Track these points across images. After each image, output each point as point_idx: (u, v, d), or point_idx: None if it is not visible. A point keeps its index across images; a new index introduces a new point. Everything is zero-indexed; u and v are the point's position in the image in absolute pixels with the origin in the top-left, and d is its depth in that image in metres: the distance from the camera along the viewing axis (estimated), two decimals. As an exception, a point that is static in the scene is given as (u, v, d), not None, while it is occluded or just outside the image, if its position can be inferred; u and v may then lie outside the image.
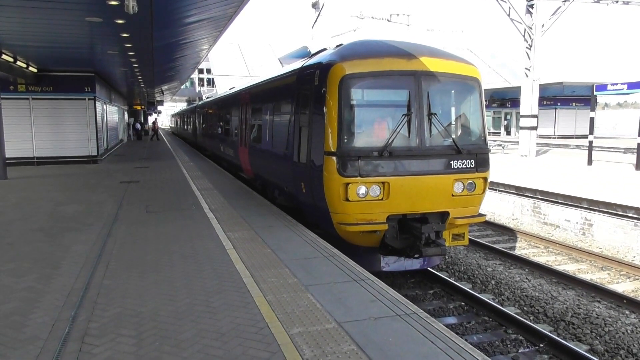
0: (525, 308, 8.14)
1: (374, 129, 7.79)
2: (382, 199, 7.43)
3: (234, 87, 19.36)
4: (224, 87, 47.16)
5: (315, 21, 23.82)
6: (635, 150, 19.14)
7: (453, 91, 8.30)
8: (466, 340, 6.70)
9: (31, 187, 13.73)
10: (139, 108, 46.23)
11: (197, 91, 63.58)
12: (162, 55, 17.19)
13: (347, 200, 7.34)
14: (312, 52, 11.39)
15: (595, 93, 21.12)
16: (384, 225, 7.47)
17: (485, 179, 8.05)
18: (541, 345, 6.67)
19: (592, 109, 21.69)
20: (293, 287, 5.45)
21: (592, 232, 12.49)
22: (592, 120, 21.29)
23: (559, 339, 6.66)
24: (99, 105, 21.45)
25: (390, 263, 8.04)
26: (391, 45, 8.12)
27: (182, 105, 70.23)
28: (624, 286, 9.24)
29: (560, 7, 24.00)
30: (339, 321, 4.56)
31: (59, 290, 5.49)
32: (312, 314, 4.72)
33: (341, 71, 7.50)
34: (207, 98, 31.52)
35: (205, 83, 65.86)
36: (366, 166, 7.31)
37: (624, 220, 11.72)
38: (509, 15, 24.63)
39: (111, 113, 28.19)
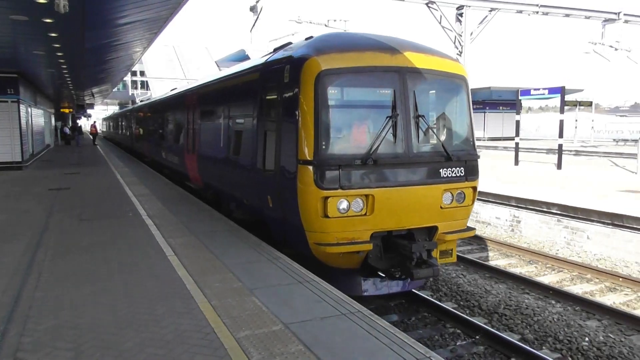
0: (461, 302, 8.52)
1: (355, 134, 6.86)
2: (365, 214, 6.47)
3: (175, 88, 18.53)
4: (158, 89, 45.79)
5: (254, 25, 23.71)
6: (557, 151, 20.52)
7: (440, 90, 7.53)
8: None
9: (-52, 197, 12.73)
10: (67, 111, 44.02)
11: (130, 94, 61.29)
12: (93, 56, 16.50)
13: (326, 216, 6.33)
14: (250, 56, 11.19)
15: (519, 97, 22.44)
16: (368, 245, 6.53)
17: (474, 188, 7.29)
18: (477, 337, 7.00)
19: (518, 113, 23.02)
20: (238, 292, 5.42)
21: (520, 228, 13.26)
22: (517, 123, 22.59)
23: (493, 330, 7.05)
24: (23, 108, 20.20)
25: (371, 287, 7.15)
26: (371, 37, 7.26)
27: (114, 109, 67.43)
28: (549, 278, 9.88)
29: (486, 16, 25.26)
30: (286, 323, 4.60)
31: (-14, 305, 5.15)
32: (259, 317, 4.73)
33: (317, 67, 6.48)
34: (141, 101, 30.43)
35: (139, 86, 63.66)
36: (348, 176, 6.33)
37: (548, 216, 12.54)
38: (440, 22, 25.62)
39: (37, 116, 26.66)
